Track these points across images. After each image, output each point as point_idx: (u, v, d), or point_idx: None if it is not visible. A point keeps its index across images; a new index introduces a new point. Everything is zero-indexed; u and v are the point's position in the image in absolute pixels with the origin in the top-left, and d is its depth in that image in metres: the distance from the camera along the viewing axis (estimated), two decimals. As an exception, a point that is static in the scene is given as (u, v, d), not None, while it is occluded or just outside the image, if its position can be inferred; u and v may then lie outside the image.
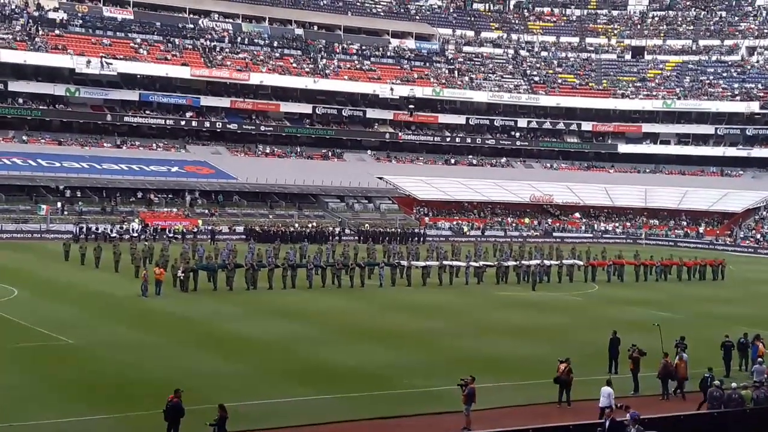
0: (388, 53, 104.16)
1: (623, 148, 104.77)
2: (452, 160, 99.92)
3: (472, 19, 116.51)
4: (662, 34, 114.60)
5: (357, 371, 28.18)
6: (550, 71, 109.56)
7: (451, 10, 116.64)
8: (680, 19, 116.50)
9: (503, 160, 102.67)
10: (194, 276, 44.15)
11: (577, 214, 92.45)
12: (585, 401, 25.47)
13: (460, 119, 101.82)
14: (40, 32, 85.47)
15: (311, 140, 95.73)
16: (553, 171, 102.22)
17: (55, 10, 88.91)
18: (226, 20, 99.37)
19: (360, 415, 23.44)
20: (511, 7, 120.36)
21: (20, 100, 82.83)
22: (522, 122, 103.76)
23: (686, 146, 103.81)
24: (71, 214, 71.30)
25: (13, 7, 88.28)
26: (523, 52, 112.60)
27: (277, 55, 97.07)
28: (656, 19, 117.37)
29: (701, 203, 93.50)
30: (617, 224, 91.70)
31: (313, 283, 46.67)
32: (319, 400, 24.81)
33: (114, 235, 64.85)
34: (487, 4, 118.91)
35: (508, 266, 53.38)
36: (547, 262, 54.91)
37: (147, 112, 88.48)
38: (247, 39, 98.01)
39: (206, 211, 77.04)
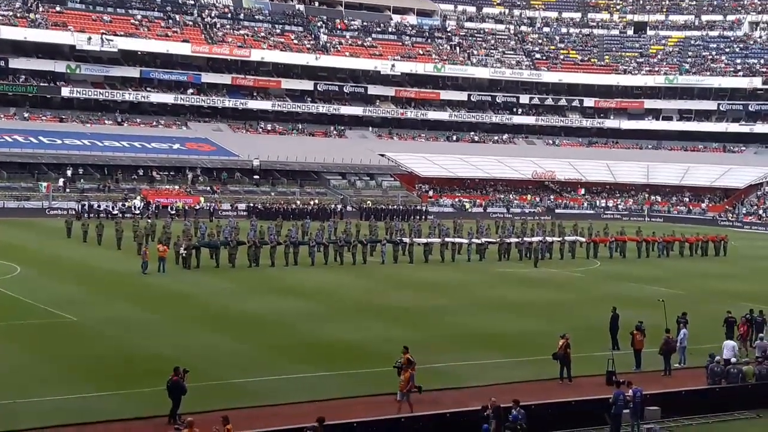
0: (390, 29, 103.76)
1: (625, 124, 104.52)
2: (454, 137, 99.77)
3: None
4: (665, 10, 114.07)
5: (359, 348, 28.25)
6: (552, 47, 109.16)
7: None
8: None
9: (505, 136, 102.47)
10: (197, 253, 44.19)
11: (582, 190, 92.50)
12: (586, 377, 25.56)
13: (461, 96, 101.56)
14: (41, 9, 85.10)
15: (312, 117, 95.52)
16: (555, 147, 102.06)
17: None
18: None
19: (362, 391, 23.49)
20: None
21: (21, 77, 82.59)
22: (524, 98, 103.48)
23: (688, 122, 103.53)
24: (73, 191, 71.30)
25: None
26: (525, 28, 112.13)
27: (278, 31, 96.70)
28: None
29: (703, 179, 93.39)
30: (619, 201, 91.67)
31: (315, 260, 46.75)
32: (321, 377, 24.87)
33: (116, 212, 64.89)
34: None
35: (510, 243, 53.40)
36: (549, 239, 54.96)
37: (148, 89, 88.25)
38: (248, 15, 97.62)
39: (208, 189, 77.02)
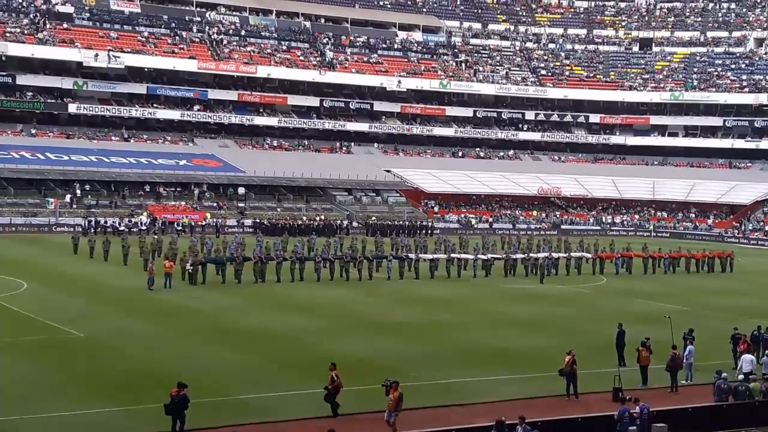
0: (396, 46, 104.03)
1: (631, 140, 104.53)
2: (460, 153, 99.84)
3: (480, 11, 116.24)
4: (670, 26, 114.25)
5: (364, 364, 28.21)
6: (558, 63, 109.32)
7: (459, 2, 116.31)
8: (688, 10, 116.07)
9: (511, 152, 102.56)
10: (203, 269, 44.25)
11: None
12: (593, 393, 25.51)
13: (467, 112, 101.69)
14: (48, 26, 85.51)
15: (318, 133, 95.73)
16: (561, 163, 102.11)
17: (63, 3, 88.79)
18: (233, 13, 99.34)
19: (367, 407, 23.43)
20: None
21: (28, 94, 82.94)
22: (529, 115, 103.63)
23: (694, 138, 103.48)
24: (80, 207, 71.48)
25: (21, 0, 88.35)
26: (530, 45, 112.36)
27: (285, 47, 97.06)
28: (664, 10, 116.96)
29: (709, 195, 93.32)
30: (625, 216, 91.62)
31: (322, 276, 46.77)
32: (328, 393, 24.84)
33: (122, 228, 65.06)
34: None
35: (516, 259, 53.38)
36: (555, 255, 54.90)
37: (154, 105, 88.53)
38: (254, 32, 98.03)
39: (214, 205, 77.12)
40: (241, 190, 79.07)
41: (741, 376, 25.72)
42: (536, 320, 37.66)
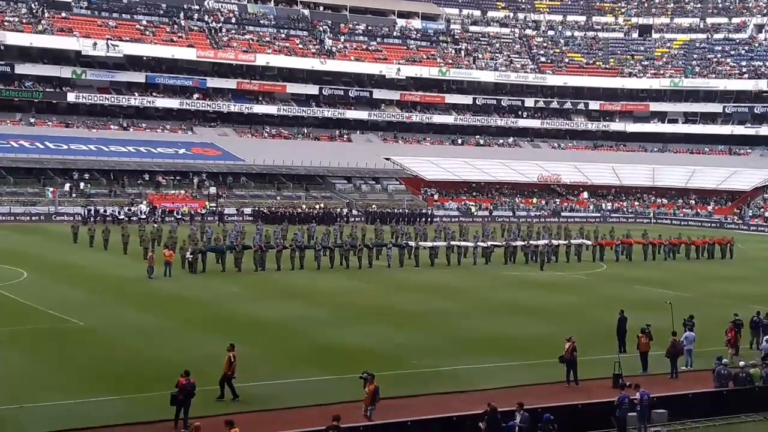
0: (395, 33, 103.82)
1: (631, 127, 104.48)
2: (459, 141, 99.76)
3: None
4: (669, 12, 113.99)
5: (365, 352, 28.20)
6: (557, 50, 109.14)
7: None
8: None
9: (510, 140, 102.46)
10: (203, 258, 44.26)
11: (585, 194, 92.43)
12: (593, 380, 25.51)
13: (467, 99, 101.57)
14: (46, 14, 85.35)
15: (318, 121, 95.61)
16: (561, 150, 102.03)
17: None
18: (232, 1, 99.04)
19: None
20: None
21: (27, 83, 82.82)
22: (529, 102, 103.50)
23: (694, 125, 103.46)
24: (79, 196, 71.45)
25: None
26: (529, 32, 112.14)
27: (283, 35, 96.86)
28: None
29: (709, 182, 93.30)
30: (625, 203, 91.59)
31: (321, 264, 46.76)
32: (327, 381, 24.85)
33: (122, 217, 65.05)
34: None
35: (516, 246, 53.37)
36: (555, 242, 54.90)
37: (153, 94, 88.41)
38: (253, 20, 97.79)
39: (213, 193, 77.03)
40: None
41: (740, 362, 25.70)
42: (536, 307, 37.64)
